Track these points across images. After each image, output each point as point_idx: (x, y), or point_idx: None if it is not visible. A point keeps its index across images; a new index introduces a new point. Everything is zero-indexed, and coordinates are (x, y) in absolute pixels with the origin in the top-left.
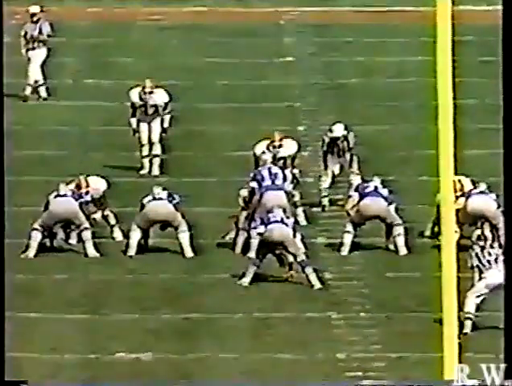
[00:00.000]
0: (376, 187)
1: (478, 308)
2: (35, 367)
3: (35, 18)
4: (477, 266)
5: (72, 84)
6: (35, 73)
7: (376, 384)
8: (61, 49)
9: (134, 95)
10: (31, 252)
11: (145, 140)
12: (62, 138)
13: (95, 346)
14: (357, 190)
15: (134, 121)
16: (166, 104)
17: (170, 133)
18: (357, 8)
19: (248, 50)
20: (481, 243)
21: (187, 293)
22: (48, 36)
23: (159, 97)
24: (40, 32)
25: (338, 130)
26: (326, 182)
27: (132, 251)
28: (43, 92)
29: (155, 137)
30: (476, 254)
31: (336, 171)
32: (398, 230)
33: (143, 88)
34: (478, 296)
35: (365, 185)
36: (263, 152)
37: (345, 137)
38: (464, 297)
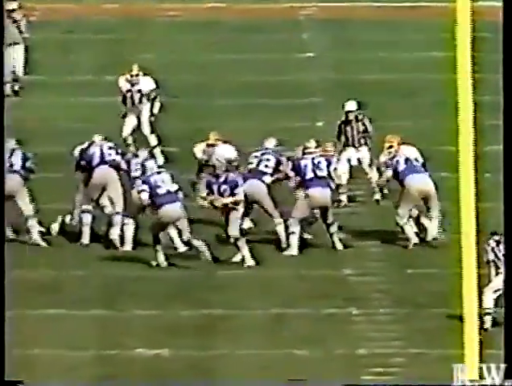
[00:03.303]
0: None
1: (497, 303)
2: (53, 364)
3: (12, 15)
4: (493, 261)
5: (91, 79)
6: (13, 70)
7: (374, 384)
8: (78, 46)
9: (122, 81)
10: (86, 239)
11: (126, 133)
12: (80, 135)
13: (113, 342)
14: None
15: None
16: (152, 91)
17: (185, 129)
18: (376, 3)
19: (267, 46)
20: (497, 237)
21: (205, 289)
22: (21, 33)
23: (145, 84)
24: (19, 29)
25: (351, 105)
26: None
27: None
28: (16, 88)
29: (147, 130)
30: (492, 248)
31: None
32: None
33: (130, 71)
34: (496, 291)
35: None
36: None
37: (357, 119)
38: (481, 293)
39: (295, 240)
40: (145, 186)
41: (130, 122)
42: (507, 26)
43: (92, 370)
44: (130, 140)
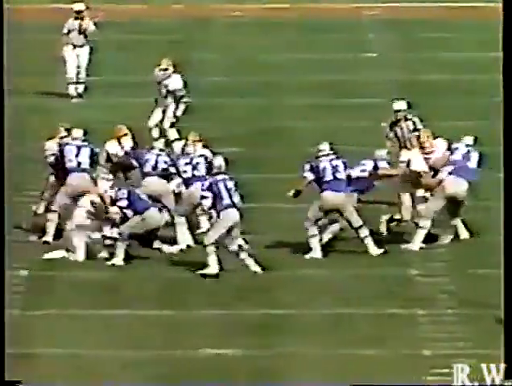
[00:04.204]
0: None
1: None
2: (114, 363)
3: (79, 16)
4: None
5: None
6: (77, 71)
7: (370, 384)
8: (141, 46)
9: (155, 72)
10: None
11: (152, 123)
12: (143, 136)
13: (177, 342)
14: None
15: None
16: (178, 90)
17: (249, 129)
18: (439, 4)
19: (330, 46)
20: None
21: (269, 289)
22: (86, 35)
23: (173, 82)
24: (85, 30)
25: (399, 105)
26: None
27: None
28: (80, 89)
29: (167, 124)
30: None
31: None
32: (364, 232)
33: (159, 65)
34: None
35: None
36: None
37: (406, 118)
38: None
39: (315, 243)
40: (208, 193)
41: (156, 114)
42: (507, 26)
43: (156, 370)
44: (154, 132)
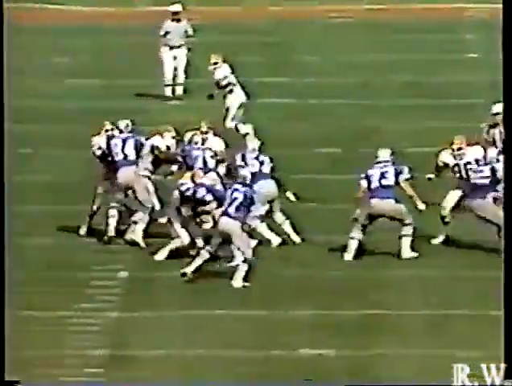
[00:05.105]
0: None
1: None
2: (210, 363)
3: (176, 18)
4: None
5: (249, 81)
6: (175, 73)
7: (373, 385)
8: (239, 48)
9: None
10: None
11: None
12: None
13: (276, 342)
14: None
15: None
16: (222, 80)
17: (347, 129)
18: None
19: (430, 46)
20: None
21: (367, 289)
22: (188, 36)
23: (218, 72)
24: (182, 32)
25: (498, 108)
26: None
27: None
28: (179, 91)
29: (231, 123)
30: None
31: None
32: (406, 230)
33: (209, 60)
34: None
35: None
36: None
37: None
38: None
39: (352, 245)
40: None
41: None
42: (507, 26)
43: (254, 369)
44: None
